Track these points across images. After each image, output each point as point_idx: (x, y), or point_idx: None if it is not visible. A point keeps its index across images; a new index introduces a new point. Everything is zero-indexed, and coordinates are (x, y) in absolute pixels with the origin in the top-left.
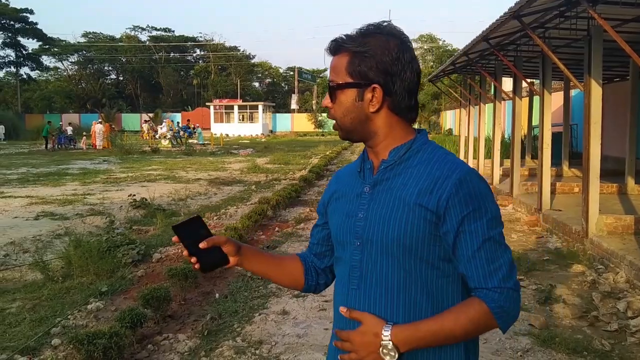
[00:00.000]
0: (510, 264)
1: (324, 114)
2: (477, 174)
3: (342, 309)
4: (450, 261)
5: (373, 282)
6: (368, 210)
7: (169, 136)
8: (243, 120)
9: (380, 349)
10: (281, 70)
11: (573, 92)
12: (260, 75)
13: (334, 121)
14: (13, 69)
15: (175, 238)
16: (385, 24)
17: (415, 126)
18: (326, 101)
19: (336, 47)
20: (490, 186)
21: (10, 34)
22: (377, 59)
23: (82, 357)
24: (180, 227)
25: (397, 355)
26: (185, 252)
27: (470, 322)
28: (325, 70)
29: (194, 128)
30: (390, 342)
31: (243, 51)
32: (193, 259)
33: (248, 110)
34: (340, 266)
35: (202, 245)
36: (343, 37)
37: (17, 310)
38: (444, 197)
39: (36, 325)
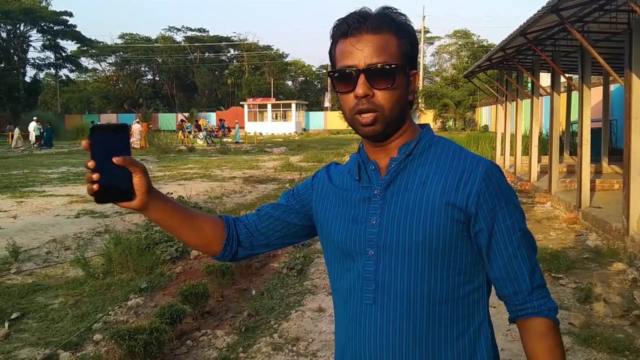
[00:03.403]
0: (537, 258)
1: None
2: (498, 167)
3: None
4: (477, 264)
5: (392, 295)
6: (382, 216)
7: (201, 136)
8: (276, 118)
9: None
10: (314, 69)
11: (613, 87)
12: (293, 73)
13: (372, 114)
14: (53, 71)
15: (85, 143)
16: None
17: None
18: (365, 87)
19: (381, 24)
20: (528, 183)
21: (50, 37)
22: (416, 43)
23: (124, 353)
24: (99, 131)
25: None
26: (91, 163)
27: (562, 348)
28: None
29: (227, 127)
30: None
31: (276, 50)
32: (95, 176)
33: (281, 109)
34: (345, 279)
35: (116, 159)
36: (385, 13)
37: (59, 306)
38: (474, 193)
39: (78, 321)
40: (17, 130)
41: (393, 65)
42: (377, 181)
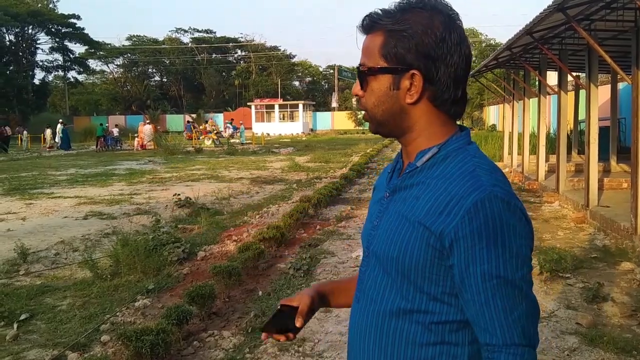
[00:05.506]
0: (530, 314)
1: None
2: (504, 198)
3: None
4: (458, 297)
5: (368, 297)
6: (381, 219)
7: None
8: (284, 119)
9: None
10: (321, 69)
11: (621, 85)
12: (300, 74)
13: (366, 112)
14: (61, 73)
15: (264, 336)
16: None
17: (458, 122)
18: (356, 88)
19: (369, 24)
20: (536, 182)
21: (58, 39)
22: (418, 39)
23: (131, 353)
24: (268, 326)
25: None
26: (282, 338)
27: None
28: None
29: (227, 128)
30: None
31: (283, 51)
32: (283, 338)
33: (289, 109)
34: None
35: (298, 324)
36: (378, 12)
37: (67, 307)
38: (453, 225)
39: (86, 322)
40: (48, 132)
41: (367, 68)
42: (393, 182)
